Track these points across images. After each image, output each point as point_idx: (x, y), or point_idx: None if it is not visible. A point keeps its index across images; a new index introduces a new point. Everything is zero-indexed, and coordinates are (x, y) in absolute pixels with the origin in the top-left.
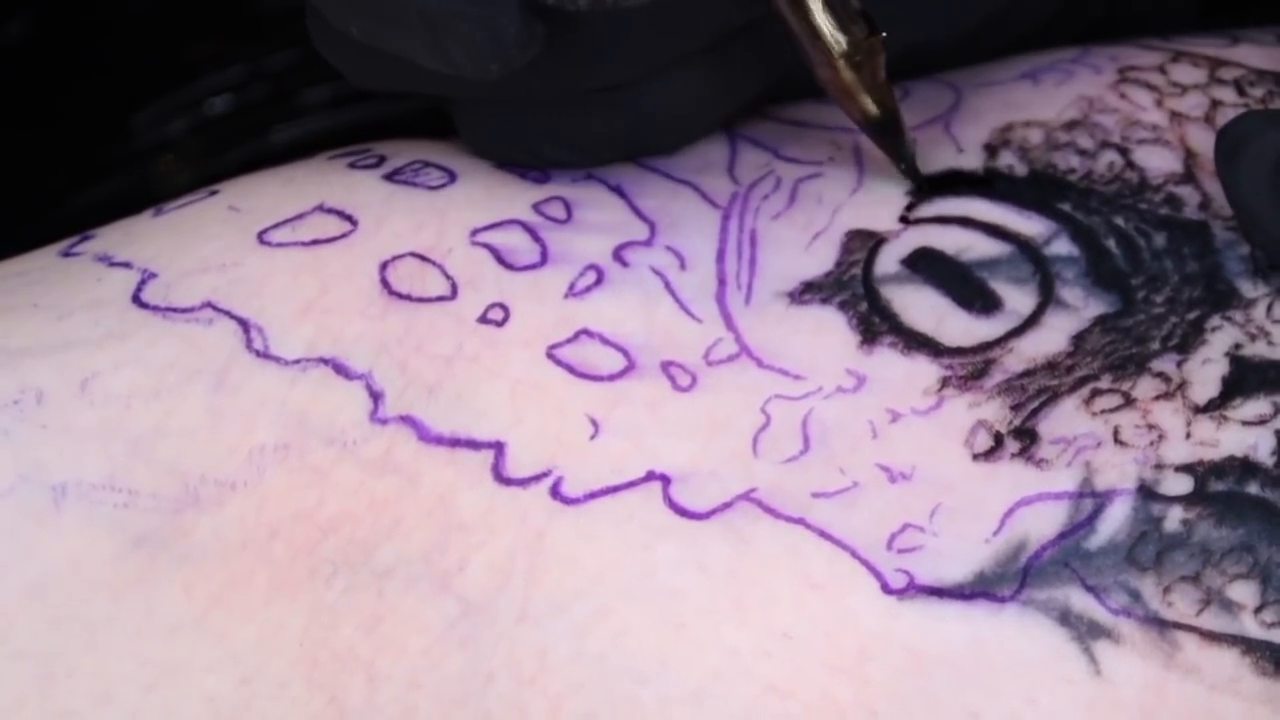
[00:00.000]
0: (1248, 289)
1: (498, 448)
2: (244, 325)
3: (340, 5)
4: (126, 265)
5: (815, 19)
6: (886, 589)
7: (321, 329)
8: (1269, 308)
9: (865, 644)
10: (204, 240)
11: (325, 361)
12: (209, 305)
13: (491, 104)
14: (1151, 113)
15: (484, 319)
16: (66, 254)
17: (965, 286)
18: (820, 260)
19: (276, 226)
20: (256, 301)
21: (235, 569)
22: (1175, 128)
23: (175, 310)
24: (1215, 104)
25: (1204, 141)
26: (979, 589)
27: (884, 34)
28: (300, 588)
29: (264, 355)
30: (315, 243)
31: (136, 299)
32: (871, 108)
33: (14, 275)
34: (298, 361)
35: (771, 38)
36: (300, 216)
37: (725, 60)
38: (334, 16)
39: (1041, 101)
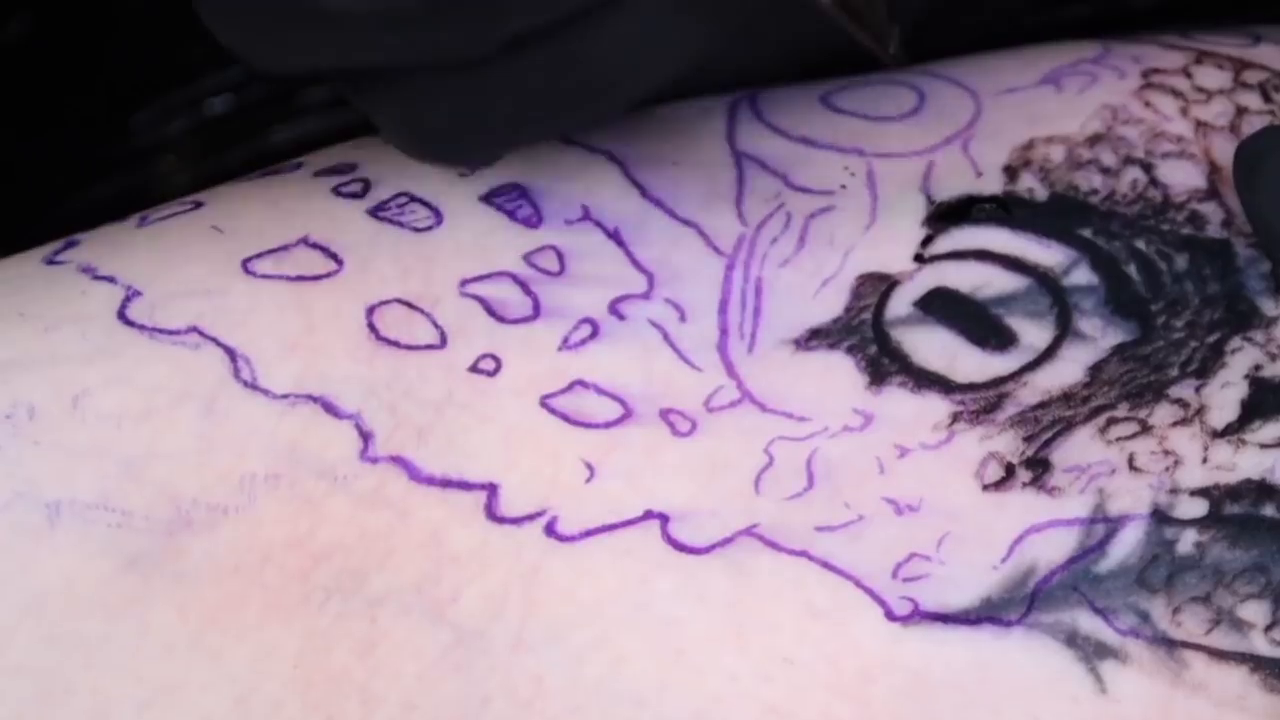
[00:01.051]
0: (1269, 307)
1: (490, 489)
2: (231, 354)
3: None
4: (110, 280)
5: None
6: (890, 616)
7: (309, 366)
8: None
9: (867, 667)
10: (188, 262)
11: (314, 399)
12: (195, 330)
13: (420, 90)
14: (1177, 123)
15: (475, 368)
16: (50, 261)
17: (979, 325)
18: (829, 307)
19: (260, 256)
20: (243, 332)
21: (228, 591)
22: (1200, 139)
23: (162, 331)
24: (1240, 111)
25: (1228, 153)
26: (985, 614)
27: None
28: (293, 612)
29: (252, 386)
30: (300, 279)
31: (122, 316)
32: None
33: None
34: (286, 396)
35: None
36: (285, 248)
37: None
38: None
39: (1064, 112)
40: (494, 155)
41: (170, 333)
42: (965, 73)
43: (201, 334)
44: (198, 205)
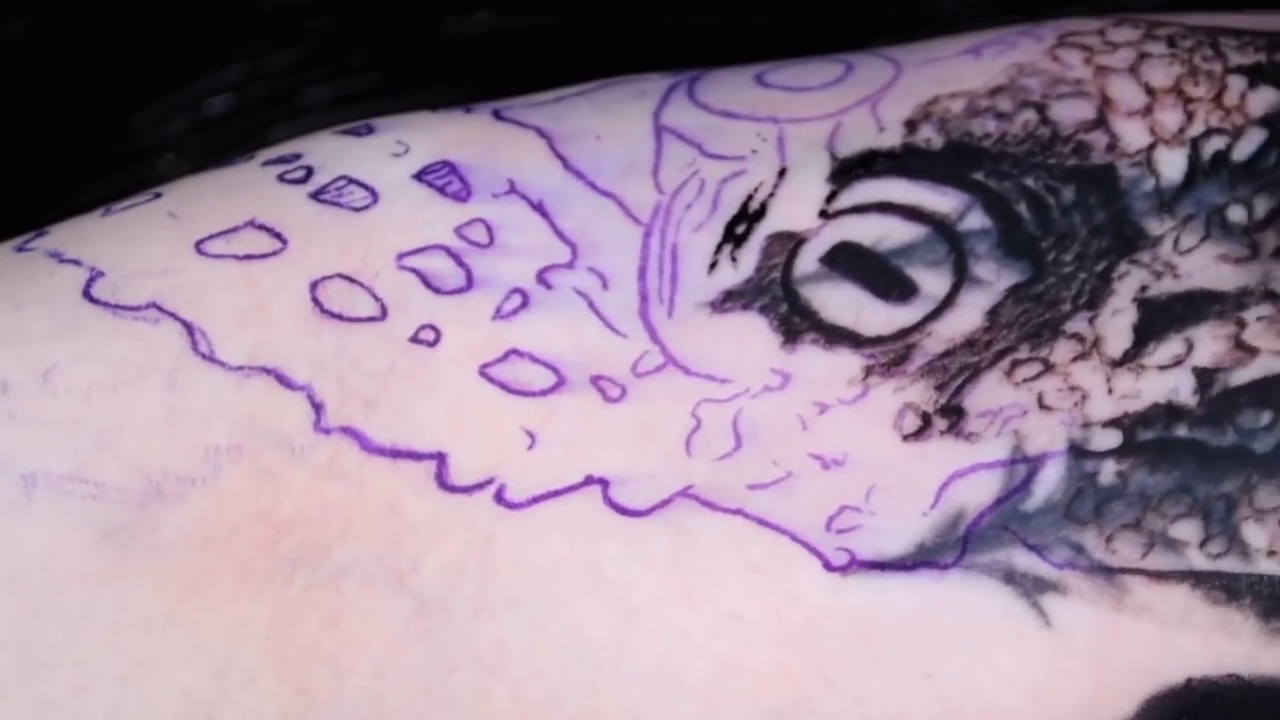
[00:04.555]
0: (1154, 226)
1: (439, 458)
2: (189, 328)
3: None
4: (76, 262)
5: None
6: (829, 567)
7: (261, 339)
8: (1175, 241)
9: (814, 618)
10: (146, 245)
11: (267, 371)
12: (154, 306)
13: None
14: (1078, 70)
15: (415, 339)
16: (20, 249)
17: (882, 276)
18: (741, 268)
19: (212, 238)
20: (198, 307)
21: (201, 564)
22: (1097, 80)
23: (124, 308)
24: (1143, 56)
25: (1123, 89)
26: (921, 559)
27: None
28: (263, 585)
29: (209, 359)
30: (249, 258)
31: (87, 294)
32: None
33: None
34: (241, 368)
35: None
36: (234, 230)
37: None
38: None
39: (975, 73)
40: None
41: (132, 309)
42: (897, 50)
43: (160, 309)
44: (157, 196)
